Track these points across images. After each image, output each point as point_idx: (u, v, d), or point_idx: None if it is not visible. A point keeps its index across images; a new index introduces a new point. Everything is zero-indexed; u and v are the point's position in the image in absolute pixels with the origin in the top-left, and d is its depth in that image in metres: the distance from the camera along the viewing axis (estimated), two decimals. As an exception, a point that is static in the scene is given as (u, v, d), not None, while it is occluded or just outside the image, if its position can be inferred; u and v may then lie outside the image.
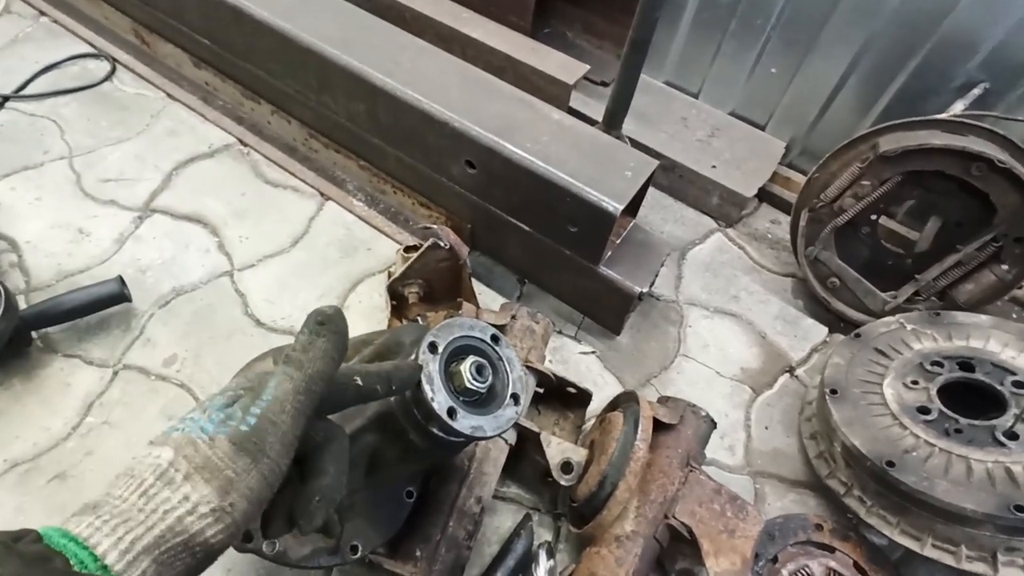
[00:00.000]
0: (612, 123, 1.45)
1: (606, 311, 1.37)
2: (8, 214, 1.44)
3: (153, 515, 0.40)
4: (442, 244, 1.19)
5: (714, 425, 1.13)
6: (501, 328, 1.17)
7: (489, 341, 0.80)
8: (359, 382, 0.59)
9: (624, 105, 1.42)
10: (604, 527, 0.99)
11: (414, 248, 1.33)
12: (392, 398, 0.75)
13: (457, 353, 0.76)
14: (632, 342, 1.42)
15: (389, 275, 1.42)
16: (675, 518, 1.00)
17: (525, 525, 1.10)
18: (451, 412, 0.71)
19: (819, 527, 1.18)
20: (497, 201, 1.33)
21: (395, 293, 1.31)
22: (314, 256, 1.46)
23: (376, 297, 1.41)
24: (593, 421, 1.21)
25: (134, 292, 1.31)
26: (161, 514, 0.40)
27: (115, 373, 1.23)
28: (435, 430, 0.73)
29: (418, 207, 1.51)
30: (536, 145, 1.21)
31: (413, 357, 0.75)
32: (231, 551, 1.03)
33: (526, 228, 1.33)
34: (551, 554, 1.09)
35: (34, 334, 1.24)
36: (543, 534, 1.14)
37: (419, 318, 1.34)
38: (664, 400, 1.15)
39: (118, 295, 1.25)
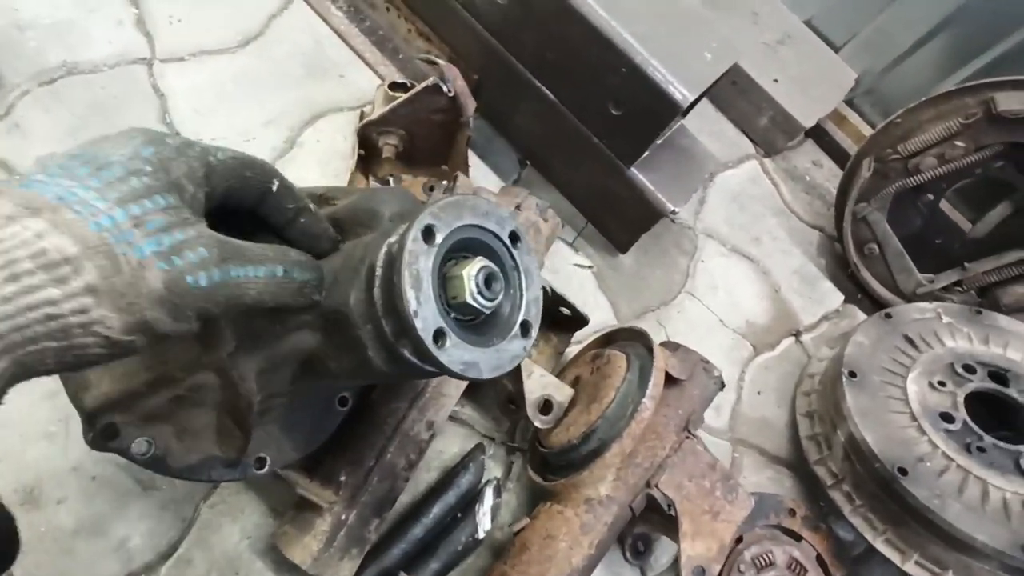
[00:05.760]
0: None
1: (620, 223, 1.12)
2: None
3: (28, 312, 0.31)
4: (445, 88, 0.88)
5: (722, 387, 0.95)
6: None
7: (507, 240, 0.55)
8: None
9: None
10: (577, 487, 0.81)
11: (403, 87, 1.01)
12: (351, 294, 0.51)
13: (459, 249, 0.51)
14: (636, 265, 1.20)
15: (362, 116, 1.10)
16: (658, 488, 0.83)
17: (476, 458, 0.91)
18: (439, 336, 0.47)
19: (792, 512, 1.06)
20: (524, 52, 1.02)
21: (367, 140, 1.01)
22: (268, 67, 1.11)
23: (340, 140, 1.09)
24: (578, 351, 1.01)
25: (4, 55, 0.95)
26: (41, 316, 0.31)
27: (-34, 159, 0.90)
28: (407, 352, 0.50)
29: (415, 36, 1.17)
30: (599, -14, 0.89)
31: (394, 239, 0.50)
32: (87, 451, 0.80)
33: (551, 97, 1.03)
34: (498, 493, 0.92)
35: None
36: (492, 469, 0.96)
37: (390, 179, 1.05)
38: (674, 348, 0.95)
39: (-23, 50, 0.89)
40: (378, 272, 0.49)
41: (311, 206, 0.51)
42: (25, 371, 0.33)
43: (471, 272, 0.49)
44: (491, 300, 0.50)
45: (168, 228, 0.37)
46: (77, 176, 0.35)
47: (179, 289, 0.36)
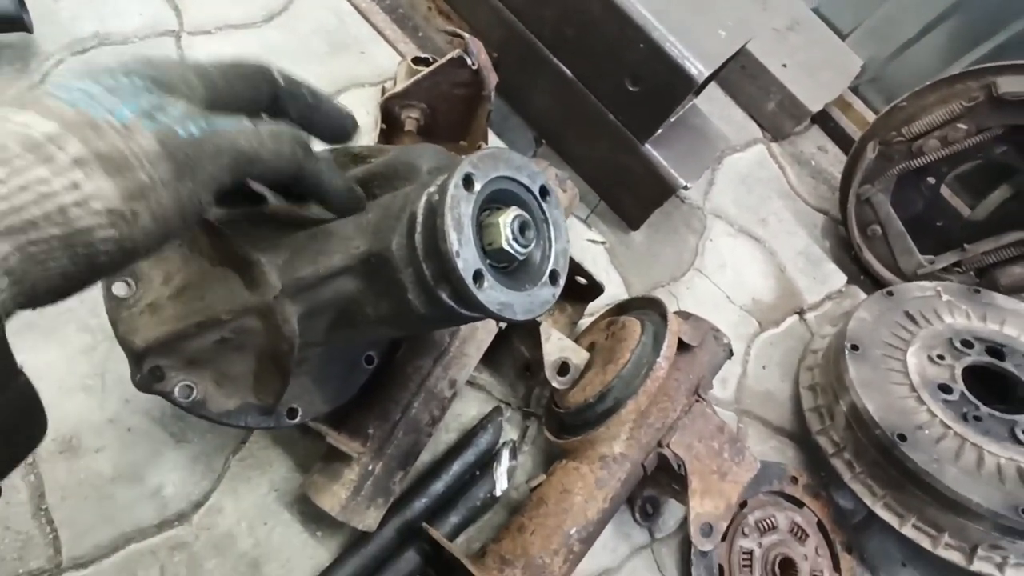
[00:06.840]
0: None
1: (633, 200, 1.16)
2: None
3: (22, 193, 0.31)
4: (469, 61, 0.91)
5: (731, 355, 0.99)
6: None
7: (537, 194, 0.58)
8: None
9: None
10: (592, 444, 0.85)
11: (425, 61, 1.04)
12: (392, 240, 0.54)
13: (493, 200, 0.55)
14: (647, 242, 1.23)
15: (384, 91, 1.13)
16: (669, 448, 0.87)
17: (494, 419, 0.95)
18: (477, 276, 0.50)
19: (794, 480, 1.10)
20: (544, 29, 1.05)
21: (389, 113, 1.04)
22: (292, 42, 1.14)
23: (363, 115, 1.12)
24: (593, 320, 1.04)
25: (39, 24, 0.97)
26: (35, 196, 0.31)
27: (2, 123, 0.92)
28: (445, 296, 0.53)
29: (435, 15, 1.19)
30: (617, -37, 0.92)
31: (434, 189, 0.53)
32: (123, 404, 0.84)
33: (569, 74, 1.06)
34: (514, 455, 0.96)
35: None
36: (509, 432, 0.99)
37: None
38: (686, 316, 0.98)
39: (12, 18, 0.91)
40: (419, 219, 0.52)
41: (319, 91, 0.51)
42: (41, 271, 0.32)
43: (507, 220, 0.53)
44: (525, 247, 0.54)
45: (146, 92, 0.36)
46: (87, 77, 0.37)
47: (174, 142, 0.35)
